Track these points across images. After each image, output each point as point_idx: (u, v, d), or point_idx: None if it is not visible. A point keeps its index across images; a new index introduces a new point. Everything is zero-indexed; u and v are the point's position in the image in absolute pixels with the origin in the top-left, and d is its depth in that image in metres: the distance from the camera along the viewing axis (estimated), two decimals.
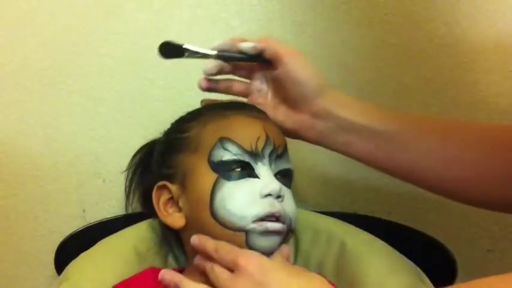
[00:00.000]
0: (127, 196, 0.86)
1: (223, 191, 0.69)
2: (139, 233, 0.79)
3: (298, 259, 0.81)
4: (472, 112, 0.89)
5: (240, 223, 0.67)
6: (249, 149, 0.70)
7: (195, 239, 0.69)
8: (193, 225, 0.72)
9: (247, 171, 0.70)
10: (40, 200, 0.90)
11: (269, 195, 0.68)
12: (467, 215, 0.92)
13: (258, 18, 0.88)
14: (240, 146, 0.70)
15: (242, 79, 0.79)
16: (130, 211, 0.86)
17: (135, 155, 0.86)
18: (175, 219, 0.73)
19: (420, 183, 0.72)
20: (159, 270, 0.72)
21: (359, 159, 0.73)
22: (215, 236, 0.69)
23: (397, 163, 0.71)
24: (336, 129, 0.73)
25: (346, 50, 0.89)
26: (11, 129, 0.89)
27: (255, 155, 0.70)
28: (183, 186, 0.73)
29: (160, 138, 0.82)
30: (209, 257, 0.67)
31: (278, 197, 0.69)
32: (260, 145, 0.71)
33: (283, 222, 0.68)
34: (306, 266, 0.78)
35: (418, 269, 0.76)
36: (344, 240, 0.78)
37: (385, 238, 0.77)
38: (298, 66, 0.73)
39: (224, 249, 0.66)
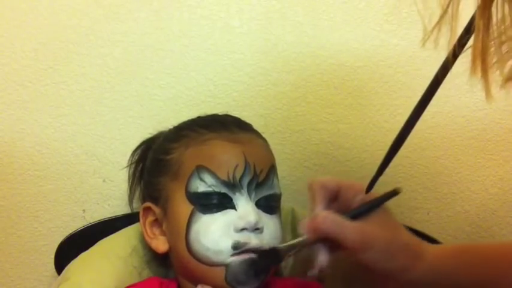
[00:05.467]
0: (130, 191, 0.86)
1: (198, 224, 0.68)
2: (139, 233, 0.79)
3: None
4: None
5: (216, 258, 0.66)
6: (225, 179, 0.68)
7: None
8: (173, 253, 0.72)
9: (225, 202, 0.68)
10: (40, 200, 0.90)
11: (244, 228, 0.67)
12: (467, 215, 0.92)
13: (258, 18, 0.88)
14: (216, 176, 0.68)
15: None
16: (133, 209, 0.86)
17: (134, 151, 0.86)
18: (160, 243, 0.73)
19: None
20: (163, 279, 0.73)
21: None
22: (191, 270, 0.68)
23: None
24: None
25: (346, 50, 0.89)
26: (11, 129, 0.89)
27: (233, 185, 0.68)
28: (165, 211, 0.73)
29: (158, 134, 0.83)
30: None
31: (256, 229, 0.67)
32: (238, 174, 0.69)
33: None
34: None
35: None
36: None
37: None
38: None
39: None
